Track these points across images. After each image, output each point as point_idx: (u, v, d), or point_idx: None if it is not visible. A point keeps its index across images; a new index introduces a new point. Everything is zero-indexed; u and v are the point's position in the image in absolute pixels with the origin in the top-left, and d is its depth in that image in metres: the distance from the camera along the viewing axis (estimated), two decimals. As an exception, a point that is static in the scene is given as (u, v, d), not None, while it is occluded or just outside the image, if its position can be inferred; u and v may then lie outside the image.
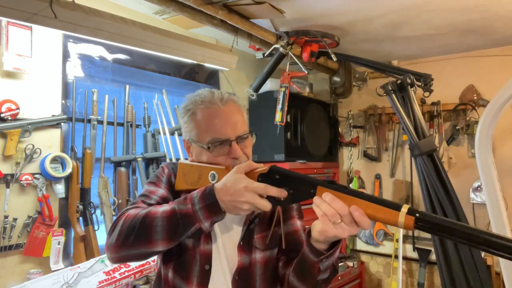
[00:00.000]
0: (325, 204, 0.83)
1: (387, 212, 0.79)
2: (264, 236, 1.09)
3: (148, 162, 2.29)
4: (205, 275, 1.02)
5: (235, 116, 1.07)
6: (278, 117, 2.56)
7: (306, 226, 1.03)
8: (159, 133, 2.40)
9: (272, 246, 1.11)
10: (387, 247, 3.26)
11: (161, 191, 1.07)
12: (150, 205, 0.99)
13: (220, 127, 1.04)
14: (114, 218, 2.07)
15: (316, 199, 0.85)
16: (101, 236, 2.06)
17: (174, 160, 2.37)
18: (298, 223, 1.15)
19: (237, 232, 1.08)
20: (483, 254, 2.49)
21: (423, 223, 0.76)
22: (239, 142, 1.05)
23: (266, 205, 0.87)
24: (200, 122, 1.06)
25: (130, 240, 0.90)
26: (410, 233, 3.08)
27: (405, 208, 0.78)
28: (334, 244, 0.90)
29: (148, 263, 1.89)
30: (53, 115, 1.92)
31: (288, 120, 2.75)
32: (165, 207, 0.91)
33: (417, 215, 0.76)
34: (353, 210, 0.80)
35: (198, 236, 1.00)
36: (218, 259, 1.05)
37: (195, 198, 0.89)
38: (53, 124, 1.92)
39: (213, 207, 0.87)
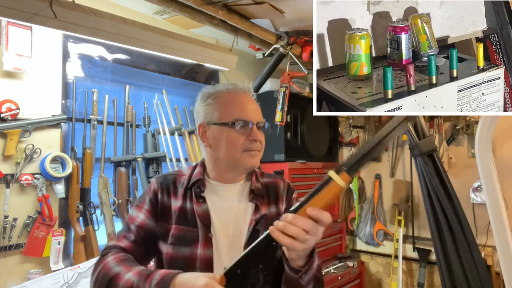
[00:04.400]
0: (289, 226, 0.82)
1: (328, 191, 0.84)
2: None
3: (148, 162, 2.29)
4: None
5: (255, 105, 1.16)
6: (278, 117, 2.56)
7: None
8: (159, 133, 2.39)
9: None
10: (387, 247, 3.25)
11: (141, 217, 1.09)
12: (131, 241, 1.06)
13: (244, 110, 1.10)
14: (114, 218, 2.09)
15: (275, 229, 0.83)
16: (101, 236, 2.06)
17: (174, 160, 2.37)
18: None
19: (241, 235, 1.08)
20: (483, 254, 2.49)
21: (352, 168, 0.84)
22: (258, 128, 1.12)
23: None
24: (225, 103, 1.11)
25: None
26: (410, 233, 3.08)
27: (332, 174, 0.83)
28: (310, 255, 0.91)
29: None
30: (53, 115, 1.92)
31: (288, 120, 2.74)
32: (130, 276, 0.93)
33: (343, 167, 0.84)
34: (310, 211, 0.82)
35: None
36: (219, 265, 1.03)
37: (153, 281, 0.89)
38: (53, 124, 1.92)
39: None
